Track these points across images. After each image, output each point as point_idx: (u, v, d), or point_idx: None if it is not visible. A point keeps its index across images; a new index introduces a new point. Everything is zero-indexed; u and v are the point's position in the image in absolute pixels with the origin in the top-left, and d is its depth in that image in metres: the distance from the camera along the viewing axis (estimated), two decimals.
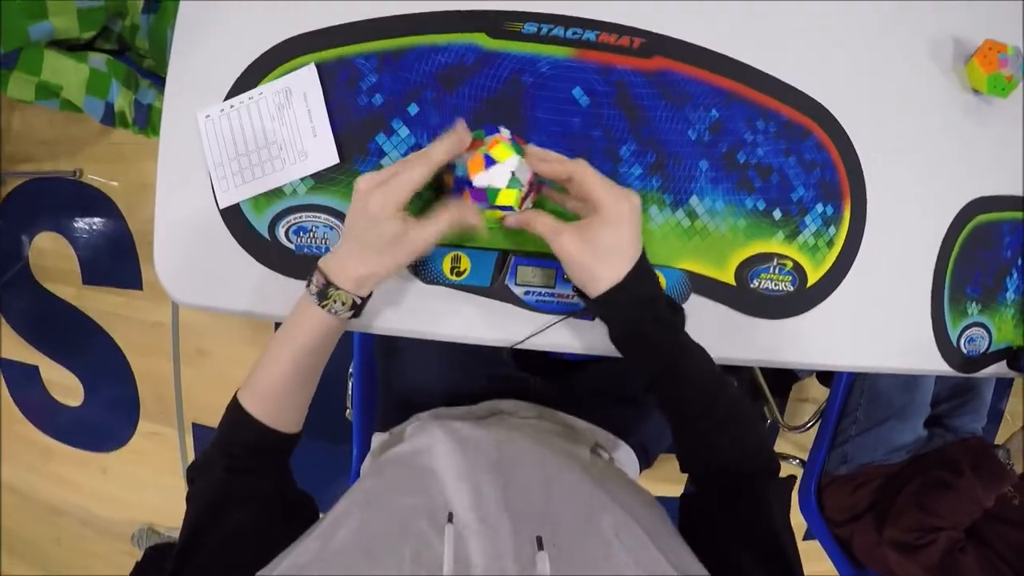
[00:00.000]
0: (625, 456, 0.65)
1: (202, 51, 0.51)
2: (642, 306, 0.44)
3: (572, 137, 0.50)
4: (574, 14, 0.50)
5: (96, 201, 1.42)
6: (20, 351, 1.58)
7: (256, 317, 0.53)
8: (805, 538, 1.60)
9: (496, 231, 0.50)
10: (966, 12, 0.60)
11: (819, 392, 1.35)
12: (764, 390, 1.17)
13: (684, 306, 0.49)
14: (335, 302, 0.43)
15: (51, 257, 1.48)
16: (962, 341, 0.62)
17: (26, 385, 1.60)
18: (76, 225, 1.46)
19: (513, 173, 0.42)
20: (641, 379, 0.46)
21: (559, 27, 0.50)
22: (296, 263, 0.50)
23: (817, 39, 0.55)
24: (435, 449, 0.44)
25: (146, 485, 1.58)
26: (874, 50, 0.57)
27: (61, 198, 1.45)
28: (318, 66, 0.49)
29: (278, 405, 0.46)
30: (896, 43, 0.58)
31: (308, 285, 0.44)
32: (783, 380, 1.28)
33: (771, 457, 0.46)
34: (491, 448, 0.45)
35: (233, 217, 0.51)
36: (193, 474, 0.46)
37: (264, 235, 0.50)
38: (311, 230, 0.50)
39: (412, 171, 0.41)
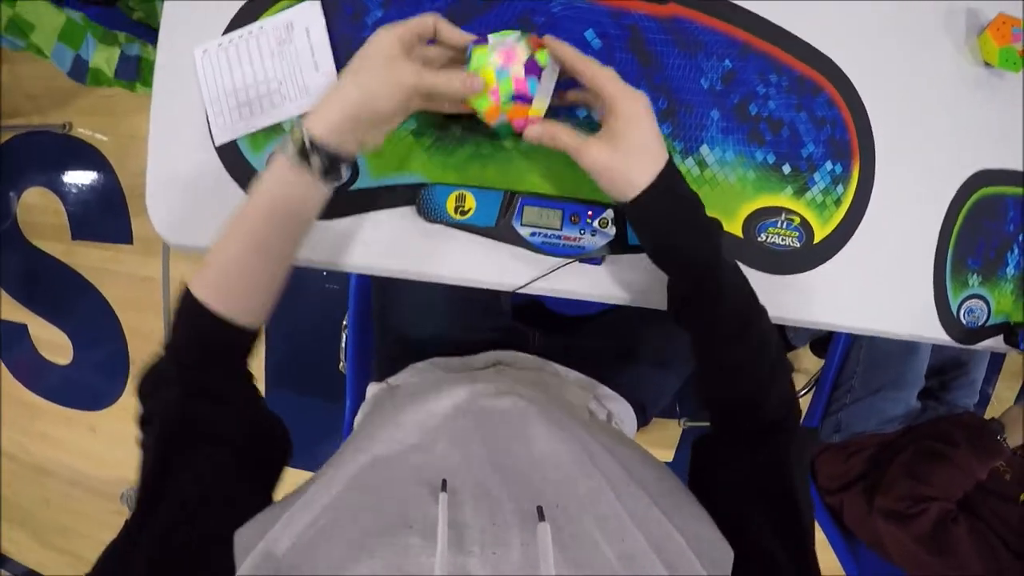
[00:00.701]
0: (623, 411, 0.65)
1: None
2: (680, 207, 0.43)
3: None
4: None
5: (86, 155, 1.38)
6: (8, 309, 1.55)
7: None
8: None
9: (510, 166, 0.48)
10: None
11: (812, 363, 1.36)
12: None
13: None
14: (292, 135, 0.38)
15: (40, 213, 1.45)
16: (962, 312, 0.62)
17: (15, 343, 1.58)
18: (65, 180, 1.43)
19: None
20: (676, 293, 0.44)
21: None
22: None
23: None
24: (429, 408, 0.43)
25: (135, 443, 1.57)
26: (889, 15, 0.56)
27: (50, 153, 1.41)
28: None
29: (232, 288, 0.40)
30: (911, 10, 0.57)
31: None
32: None
33: (797, 412, 0.44)
34: (488, 406, 0.44)
35: (229, 154, 0.49)
36: (145, 388, 0.41)
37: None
38: None
39: (426, 17, 0.41)
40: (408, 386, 0.60)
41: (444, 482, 0.33)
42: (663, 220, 0.42)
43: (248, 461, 0.39)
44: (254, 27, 0.49)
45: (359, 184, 0.49)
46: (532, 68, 0.42)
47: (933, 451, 0.79)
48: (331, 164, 0.39)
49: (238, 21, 0.49)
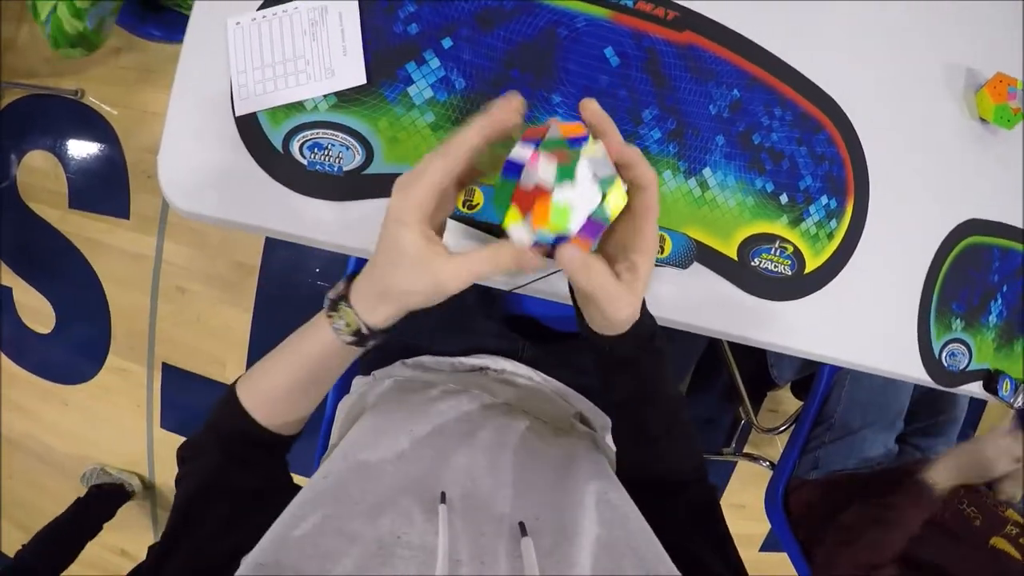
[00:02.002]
0: (606, 425, 0.65)
1: None
2: (652, 335, 0.42)
3: (598, 93, 0.51)
4: None
5: (94, 124, 1.38)
6: None
7: (252, 230, 0.52)
8: (764, 548, 1.62)
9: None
10: (983, 45, 0.63)
11: (792, 405, 1.38)
12: (741, 390, 1.19)
13: (687, 271, 0.50)
14: (340, 319, 0.37)
15: (40, 176, 1.44)
16: (944, 354, 0.64)
17: None
18: (70, 147, 1.42)
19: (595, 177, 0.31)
20: (614, 395, 0.44)
21: None
22: (305, 179, 0.50)
23: (842, 43, 0.58)
24: (414, 427, 0.43)
25: (105, 422, 1.54)
26: (894, 65, 0.60)
27: (59, 118, 1.41)
28: None
29: (275, 409, 0.43)
30: (915, 64, 0.61)
31: (330, 290, 0.39)
32: (759, 386, 1.30)
33: (704, 467, 0.47)
34: (476, 419, 0.45)
35: (248, 126, 0.50)
36: (185, 453, 0.44)
37: (277, 148, 0.50)
38: (327, 148, 0.50)
39: (434, 165, 0.32)
40: (394, 392, 0.60)
41: (443, 495, 0.34)
42: (635, 345, 0.41)
43: (269, 512, 0.39)
44: (289, 6, 0.50)
45: (372, 169, 0.50)
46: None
47: (872, 515, 0.79)
48: (383, 338, 0.39)
49: None
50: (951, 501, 0.77)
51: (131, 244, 1.43)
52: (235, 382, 0.44)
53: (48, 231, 1.46)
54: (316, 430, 0.82)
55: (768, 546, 1.62)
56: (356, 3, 0.49)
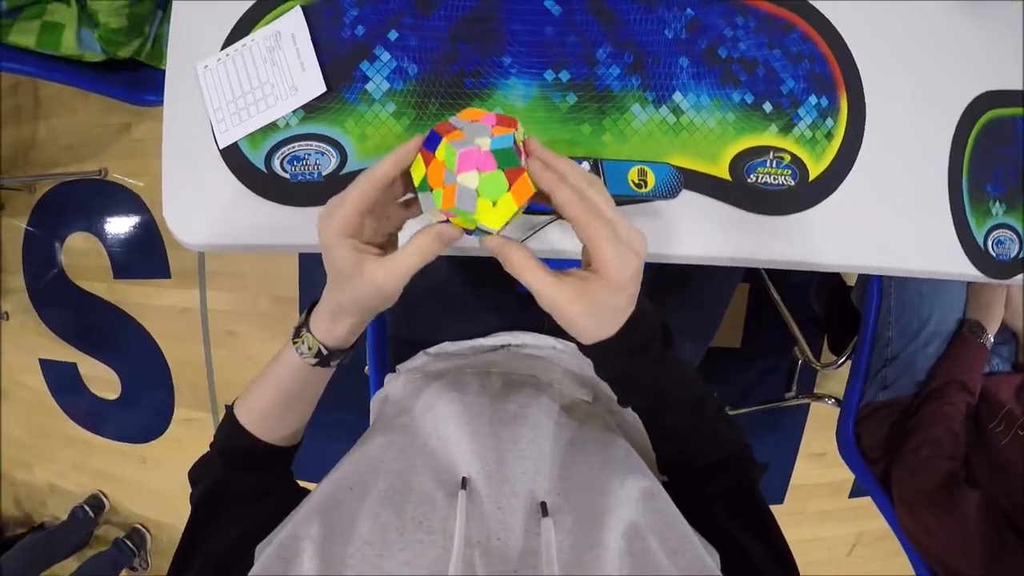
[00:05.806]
0: None
1: (199, 11, 0.53)
2: (631, 356, 0.39)
3: (547, 45, 0.51)
4: None
5: (121, 197, 1.49)
6: (57, 350, 1.65)
7: (258, 250, 0.55)
8: (854, 495, 1.53)
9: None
10: None
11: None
12: (793, 329, 1.14)
13: (677, 199, 0.48)
14: (302, 343, 0.43)
15: (83, 256, 1.56)
16: (990, 243, 0.59)
17: (65, 383, 1.67)
18: (104, 222, 1.53)
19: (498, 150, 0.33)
20: (626, 403, 0.44)
21: None
22: (292, 191, 0.52)
23: None
24: (438, 408, 0.44)
25: (183, 471, 1.63)
26: None
27: (88, 198, 1.52)
28: (303, 8, 0.51)
29: (267, 423, 0.47)
30: None
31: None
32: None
33: (747, 446, 0.46)
34: (498, 402, 0.45)
35: (232, 156, 0.53)
36: (194, 475, 0.49)
37: (261, 168, 0.52)
38: (304, 158, 0.51)
39: (351, 194, 0.35)
40: (414, 383, 0.61)
41: (464, 480, 0.35)
42: (613, 365, 0.40)
43: (280, 516, 0.40)
44: (247, 39, 0.52)
45: (348, 168, 0.51)
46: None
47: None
48: (346, 355, 0.45)
49: (233, 36, 0.53)
50: (1014, 422, 0.72)
51: (177, 300, 1.52)
52: (233, 402, 0.49)
53: (99, 304, 1.57)
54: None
55: (857, 492, 1.54)
56: (304, 21, 0.51)
